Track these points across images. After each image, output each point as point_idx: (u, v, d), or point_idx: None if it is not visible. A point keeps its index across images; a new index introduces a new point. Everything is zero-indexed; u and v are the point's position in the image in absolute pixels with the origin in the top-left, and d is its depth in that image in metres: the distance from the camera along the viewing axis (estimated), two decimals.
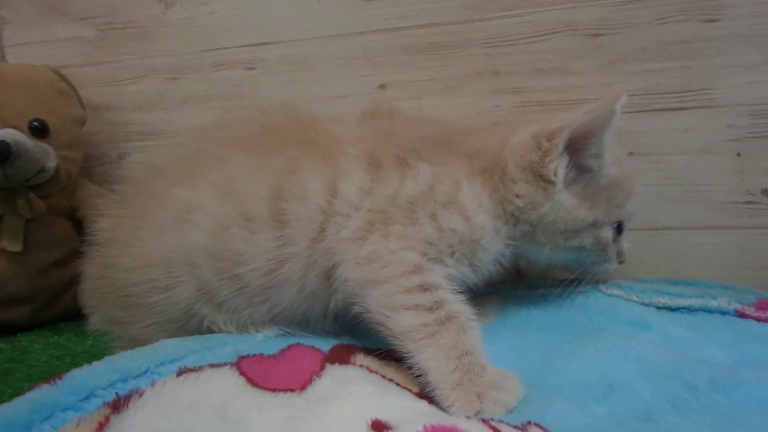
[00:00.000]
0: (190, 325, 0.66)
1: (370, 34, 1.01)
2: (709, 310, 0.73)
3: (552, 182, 0.67)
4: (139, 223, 0.68)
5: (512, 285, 0.86)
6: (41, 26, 1.18)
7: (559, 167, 0.66)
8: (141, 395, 0.46)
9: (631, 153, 0.92)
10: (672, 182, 0.92)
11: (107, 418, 0.43)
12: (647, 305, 0.75)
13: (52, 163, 0.98)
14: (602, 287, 0.78)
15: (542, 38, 0.94)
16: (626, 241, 0.77)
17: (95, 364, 0.50)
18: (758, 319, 0.71)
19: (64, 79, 1.09)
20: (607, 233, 0.71)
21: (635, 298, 0.76)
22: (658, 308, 0.75)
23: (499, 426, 0.48)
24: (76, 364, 0.77)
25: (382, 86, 1.02)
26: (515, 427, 0.49)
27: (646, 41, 0.91)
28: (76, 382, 0.46)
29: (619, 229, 0.74)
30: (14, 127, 0.94)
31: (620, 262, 0.76)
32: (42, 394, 0.44)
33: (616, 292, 0.78)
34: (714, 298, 0.74)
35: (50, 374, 0.47)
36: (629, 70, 0.92)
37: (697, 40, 0.89)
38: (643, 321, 0.71)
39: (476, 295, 0.81)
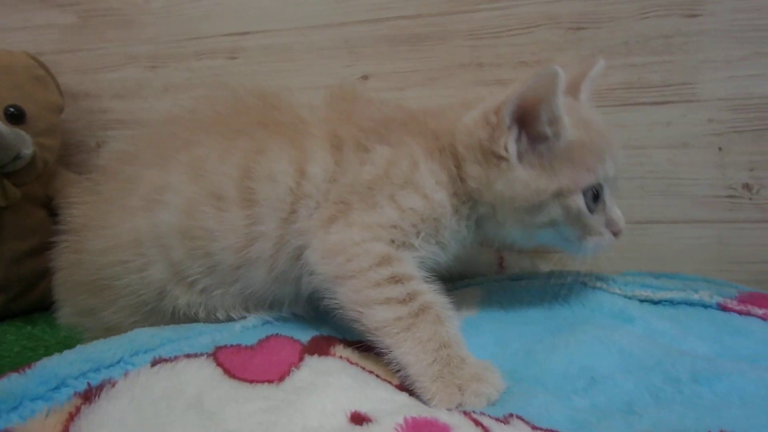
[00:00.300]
0: (161, 307, 0.64)
1: (352, 25, 0.98)
2: (691, 303, 0.70)
3: (504, 158, 0.62)
4: (111, 206, 0.66)
5: (495, 277, 0.83)
6: (21, 12, 1.13)
7: (509, 141, 0.61)
8: (113, 385, 0.44)
9: None
10: (654, 176, 0.90)
11: (78, 409, 0.41)
12: (630, 298, 0.72)
13: (28, 150, 0.94)
14: (585, 280, 0.75)
15: (526, 31, 0.92)
16: (618, 209, 0.67)
17: (66, 353, 0.47)
18: (740, 313, 0.68)
19: (41, 65, 1.05)
20: (578, 201, 0.62)
21: (618, 291, 0.73)
22: (641, 301, 0.72)
23: (480, 418, 0.46)
24: (50, 355, 0.74)
25: (365, 77, 0.99)
26: (497, 419, 0.47)
27: (627, 35, 0.89)
28: (46, 371, 0.43)
29: (596, 196, 0.64)
30: None
31: (615, 234, 0.66)
32: (10, 383, 0.41)
33: (599, 284, 0.75)
34: (696, 291, 0.71)
35: (23, 365, 0.44)
36: (611, 64, 0.89)
37: (679, 35, 0.87)
38: (626, 314, 0.68)
39: (458, 287, 0.79)
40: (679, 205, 0.89)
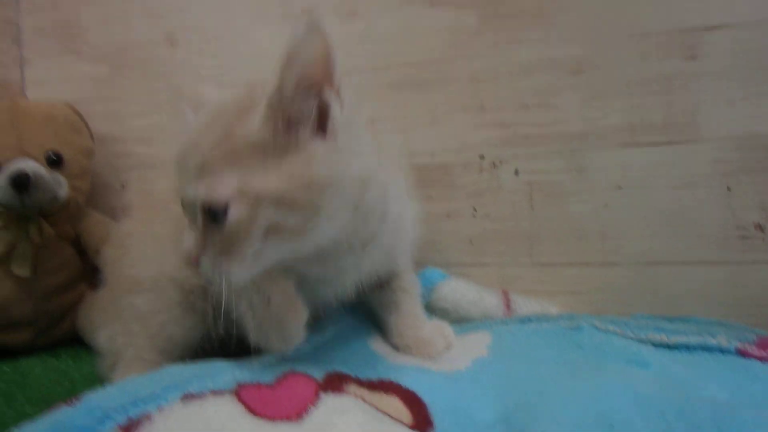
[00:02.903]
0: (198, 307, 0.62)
1: (359, 72, 0.91)
2: (708, 349, 0.61)
3: None
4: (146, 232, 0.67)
5: (502, 320, 0.73)
6: (58, 65, 1.10)
7: None
8: (150, 419, 0.43)
9: (619, 187, 0.81)
10: (661, 216, 0.80)
11: None
12: (644, 342, 0.62)
13: (63, 193, 0.92)
14: (596, 322, 0.65)
15: (526, 74, 0.84)
16: (189, 238, 0.49)
17: (108, 387, 0.47)
18: (760, 359, 0.58)
19: (77, 114, 1.02)
20: None
21: (631, 335, 0.64)
22: (655, 345, 0.62)
23: None
24: (75, 388, 0.72)
25: (371, 120, 0.91)
26: None
27: (627, 77, 0.80)
28: (92, 404, 0.43)
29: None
30: (33, 158, 0.89)
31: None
32: (62, 415, 0.41)
33: (611, 328, 0.65)
34: (713, 335, 0.61)
35: (50, 398, 0.46)
36: (611, 105, 0.81)
37: (679, 76, 0.78)
38: (641, 358, 0.59)
39: (465, 330, 0.70)
40: (688, 246, 0.79)
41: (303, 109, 0.45)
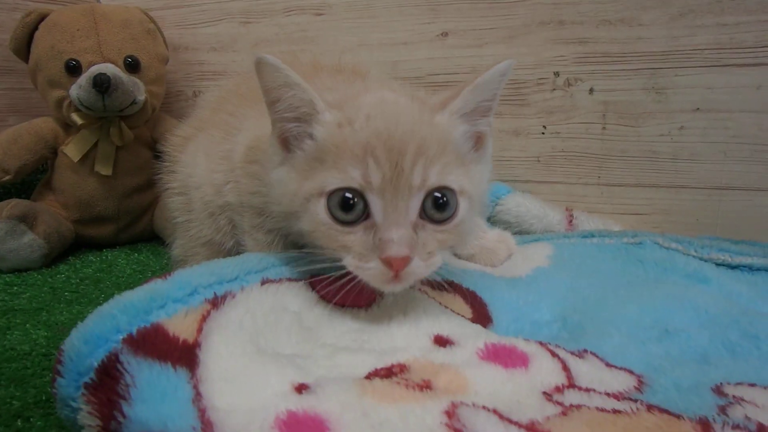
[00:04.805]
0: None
1: None
2: None
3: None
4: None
5: (564, 234, 0.79)
6: None
7: (272, 139, 0.53)
8: (234, 296, 0.49)
9: (698, 109, 0.83)
10: (738, 141, 0.82)
11: (208, 312, 0.46)
12: (705, 261, 0.67)
13: (141, 96, 0.99)
14: (659, 240, 0.70)
15: None
16: (399, 232, 0.46)
17: (196, 267, 0.51)
18: None
19: (152, 20, 1.08)
20: (318, 206, 0.49)
21: (693, 253, 0.68)
22: (717, 264, 0.67)
23: (556, 350, 0.48)
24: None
25: (444, 34, 0.95)
26: (572, 353, 0.48)
27: None
28: (182, 280, 0.48)
29: (348, 205, 0.47)
30: (112, 62, 0.96)
31: (384, 261, 0.46)
32: (157, 286, 0.46)
33: (674, 245, 0.70)
34: None
35: (134, 285, 0.48)
36: (700, 23, 0.82)
37: None
38: (701, 275, 0.64)
39: (526, 241, 0.75)
40: (763, 173, 0.81)
41: (480, 129, 0.52)
